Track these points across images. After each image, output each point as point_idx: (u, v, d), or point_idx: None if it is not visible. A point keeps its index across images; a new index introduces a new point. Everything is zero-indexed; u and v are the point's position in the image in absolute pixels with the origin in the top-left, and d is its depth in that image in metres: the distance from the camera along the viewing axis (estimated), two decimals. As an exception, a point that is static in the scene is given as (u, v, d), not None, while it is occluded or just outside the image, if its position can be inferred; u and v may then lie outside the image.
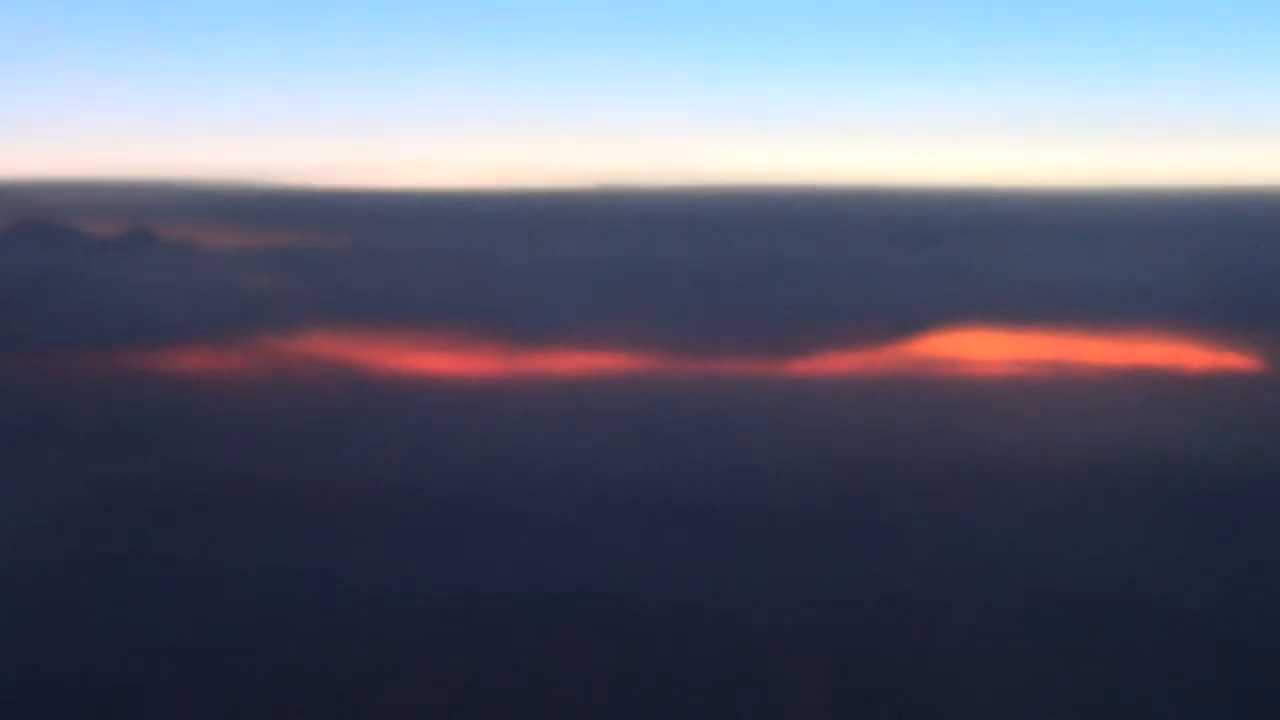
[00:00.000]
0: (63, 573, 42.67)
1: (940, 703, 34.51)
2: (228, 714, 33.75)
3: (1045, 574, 43.20)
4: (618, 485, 52.44)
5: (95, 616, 39.06)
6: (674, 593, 40.93)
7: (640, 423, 65.41)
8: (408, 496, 50.58)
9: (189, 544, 45.24)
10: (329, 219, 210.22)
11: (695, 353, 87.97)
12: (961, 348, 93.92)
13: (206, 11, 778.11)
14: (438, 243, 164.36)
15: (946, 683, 35.45)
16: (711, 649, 36.94)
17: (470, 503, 49.92)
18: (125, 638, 37.61)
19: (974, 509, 49.70)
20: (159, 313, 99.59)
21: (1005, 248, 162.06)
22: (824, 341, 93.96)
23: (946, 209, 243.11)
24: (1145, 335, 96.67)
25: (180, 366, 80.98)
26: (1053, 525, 48.28)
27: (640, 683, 35.23)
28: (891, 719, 34.13)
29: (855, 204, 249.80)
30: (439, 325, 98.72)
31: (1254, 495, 51.97)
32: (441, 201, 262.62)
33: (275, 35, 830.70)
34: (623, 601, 40.01)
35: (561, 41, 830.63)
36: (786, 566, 43.27)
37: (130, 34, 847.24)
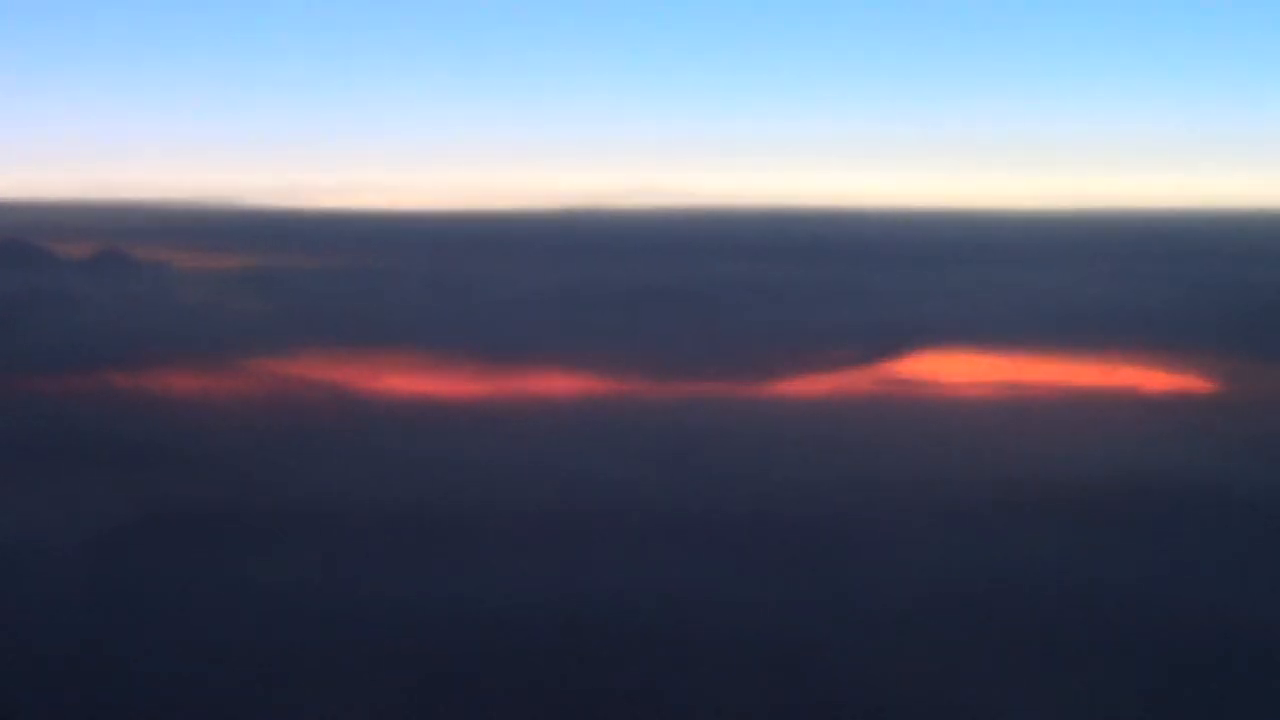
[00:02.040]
0: (101, 592, 42.85)
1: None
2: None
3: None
4: (626, 504, 53.33)
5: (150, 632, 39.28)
6: (700, 603, 41.99)
7: (636, 443, 66.19)
8: (432, 514, 51.24)
9: (229, 562, 45.60)
10: (302, 241, 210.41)
11: (679, 374, 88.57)
12: (941, 368, 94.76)
13: (178, 35, 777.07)
14: (412, 265, 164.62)
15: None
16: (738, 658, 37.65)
17: (497, 519, 50.74)
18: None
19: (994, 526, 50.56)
20: (143, 334, 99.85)
21: (977, 269, 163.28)
22: (800, 362, 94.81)
23: (921, 231, 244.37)
24: (1116, 356, 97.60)
25: (172, 387, 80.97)
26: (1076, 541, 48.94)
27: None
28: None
29: (827, 225, 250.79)
30: (420, 346, 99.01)
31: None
32: (414, 224, 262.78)
33: (247, 59, 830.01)
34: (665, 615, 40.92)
35: (535, 66, 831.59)
36: (817, 582, 44.25)
37: (101, 57, 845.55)
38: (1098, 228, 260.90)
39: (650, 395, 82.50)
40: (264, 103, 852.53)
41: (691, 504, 53.46)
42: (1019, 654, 38.54)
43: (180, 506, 51.84)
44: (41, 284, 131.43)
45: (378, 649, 38.15)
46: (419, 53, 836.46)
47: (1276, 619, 41.51)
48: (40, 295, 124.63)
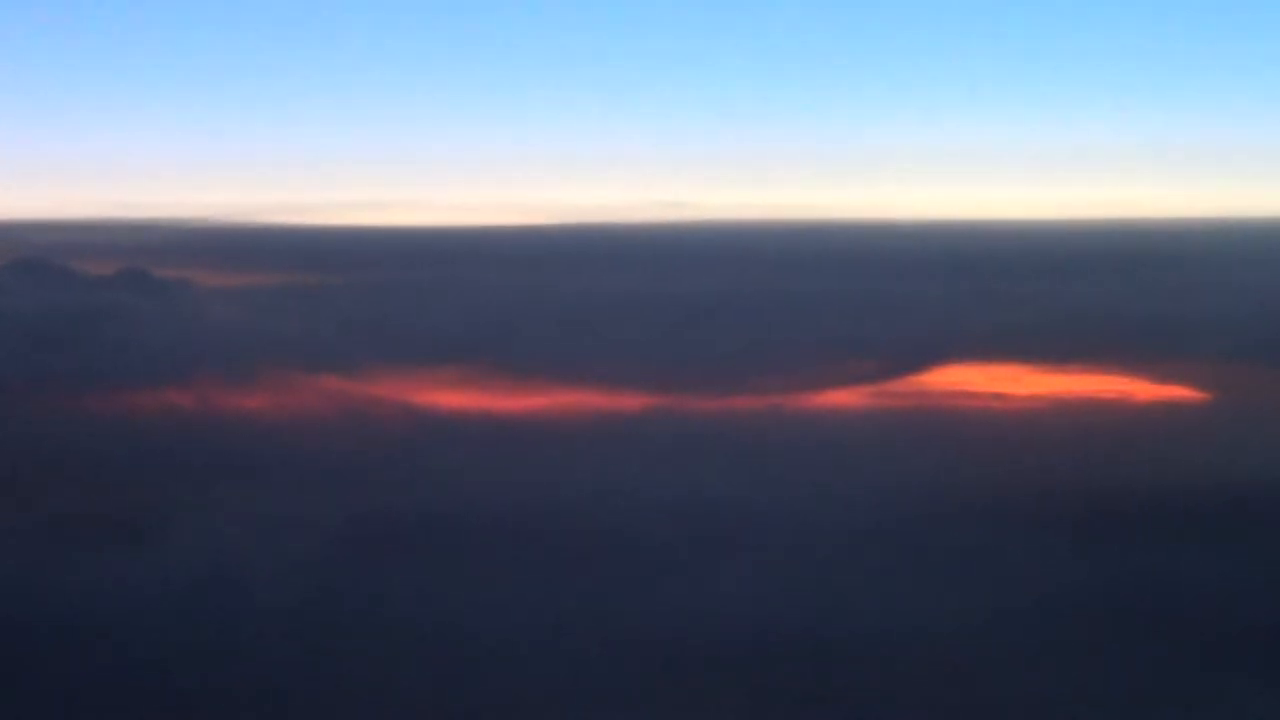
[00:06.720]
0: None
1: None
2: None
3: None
4: (728, 518, 54.36)
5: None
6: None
7: (712, 456, 67.27)
8: (572, 528, 52.44)
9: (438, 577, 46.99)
10: (324, 258, 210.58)
11: (729, 387, 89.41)
12: (974, 379, 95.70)
13: (197, 53, 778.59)
14: (444, 279, 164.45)
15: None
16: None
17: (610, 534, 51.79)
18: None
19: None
20: (187, 351, 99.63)
21: (999, 282, 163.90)
22: (837, 375, 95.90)
23: (943, 243, 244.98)
24: (1152, 366, 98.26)
25: (237, 403, 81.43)
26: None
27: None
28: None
29: (849, 239, 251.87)
30: (469, 360, 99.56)
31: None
32: (441, 239, 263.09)
33: (267, 77, 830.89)
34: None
35: (558, 84, 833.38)
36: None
37: (122, 75, 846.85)
38: (1119, 238, 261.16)
39: (709, 408, 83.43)
40: (283, 120, 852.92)
41: (790, 517, 54.27)
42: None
43: (335, 523, 52.53)
44: (70, 303, 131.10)
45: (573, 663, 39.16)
46: (441, 70, 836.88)
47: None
48: (73, 314, 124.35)
